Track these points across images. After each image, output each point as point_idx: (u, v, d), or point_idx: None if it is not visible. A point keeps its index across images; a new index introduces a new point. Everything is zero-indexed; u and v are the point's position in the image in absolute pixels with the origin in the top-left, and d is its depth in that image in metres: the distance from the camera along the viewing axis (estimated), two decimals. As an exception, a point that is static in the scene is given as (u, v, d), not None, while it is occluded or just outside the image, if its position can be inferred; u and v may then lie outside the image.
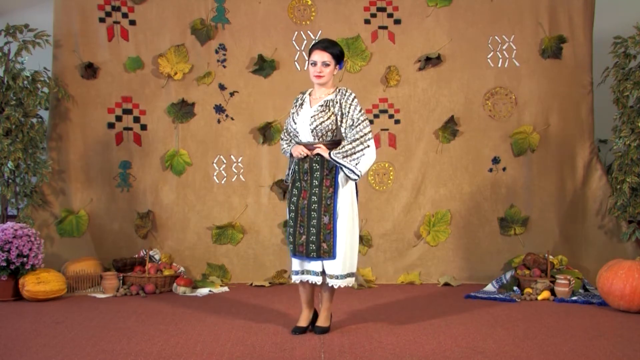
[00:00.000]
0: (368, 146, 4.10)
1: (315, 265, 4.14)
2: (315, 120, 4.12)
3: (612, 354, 3.69)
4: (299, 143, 4.22)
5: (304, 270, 4.17)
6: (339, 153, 4.06)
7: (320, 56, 4.15)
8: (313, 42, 4.47)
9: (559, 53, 6.15)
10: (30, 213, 5.90)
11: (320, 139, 4.14)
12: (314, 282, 4.17)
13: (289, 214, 4.21)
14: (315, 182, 4.14)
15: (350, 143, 4.08)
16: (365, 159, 4.09)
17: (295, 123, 4.21)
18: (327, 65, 4.15)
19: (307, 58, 4.31)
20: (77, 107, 6.16)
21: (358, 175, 4.09)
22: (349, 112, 4.12)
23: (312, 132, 4.13)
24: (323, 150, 4.11)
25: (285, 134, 4.35)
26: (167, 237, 6.17)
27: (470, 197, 6.18)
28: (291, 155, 4.25)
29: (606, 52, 5.95)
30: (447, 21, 6.23)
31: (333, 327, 4.28)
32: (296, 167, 4.21)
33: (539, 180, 6.14)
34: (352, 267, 4.20)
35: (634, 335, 4.15)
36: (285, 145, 4.33)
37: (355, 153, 4.07)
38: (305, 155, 4.15)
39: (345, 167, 4.07)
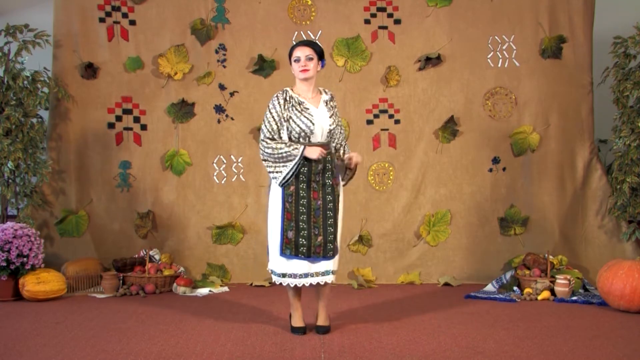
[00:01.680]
0: None
1: (328, 265, 4.16)
2: (334, 121, 4.19)
3: (612, 354, 3.69)
4: (309, 144, 4.11)
5: (314, 272, 4.15)
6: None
7: (302, 51, 4.16)
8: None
9: (559, 53, 6.15)
10: (30, 213, 5.90)
11: (330, 139, 4.20)
12: (327, 282, 4.17)
13: (298, 216, 4.11)
14: (329, 182, 4.16)
15: (344, 148, 4.33)
16: None
17: (312, 124, 4.11)
18: (311, 59, 4.16)
19: (288, 60, 4.27)
20: (77, 107, 6.16)
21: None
22: (339, 118, 4.31)
23: (329, 132, 4.17)
24: (358, 156, 4.28)
25: (273, 136, 4.11)
26: (167, 237, 6.17)
27: (470, 197, 6.18)
28: (303, 157, 4.07)
29: (606, 52, 5.94)
30: (447, 21, 6.23)
31: (333, 327, 4.28)
32: (304, 168, 4.11)
33: (539, 180, 6.14)
34: None
35: (634, 335, 4.15)
36: (285, 147, 4.08)
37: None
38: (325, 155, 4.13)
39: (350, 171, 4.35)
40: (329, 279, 4.17)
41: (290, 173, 4.09)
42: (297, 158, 4.06)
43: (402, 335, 4.13)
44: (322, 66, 4.27)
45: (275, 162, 4.12)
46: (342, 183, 4.31)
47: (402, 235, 6.19)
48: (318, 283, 4.15)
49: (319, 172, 4.14)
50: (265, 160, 4.15)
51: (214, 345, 3.88)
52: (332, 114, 4.21)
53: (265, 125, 4.14)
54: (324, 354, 3.72)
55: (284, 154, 4.08)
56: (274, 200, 4.17)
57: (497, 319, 4.59)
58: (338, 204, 4.20)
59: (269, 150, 4.11)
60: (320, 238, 4.12)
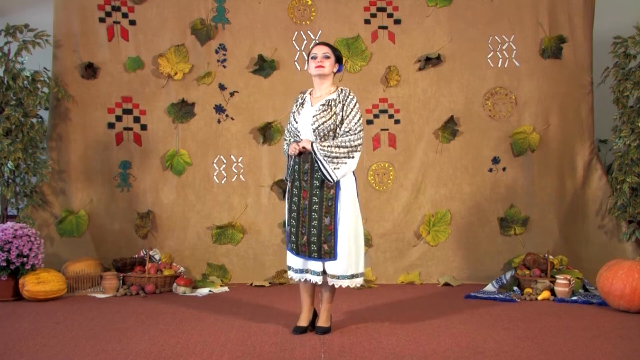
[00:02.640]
0: (352, 157, 4.11)
1: (315, 265, 4.14)
2: (317, 120, 4.12)
3: (612, 354, 3.69)
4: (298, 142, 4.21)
5: (306, 269, 4.18)
6: (323, 150, 4.05)
7: (320, 49, 4.22)
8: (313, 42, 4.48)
9: (559, 53, 6.15)
10: (30, 213, 5.90)
11: (323, 139, 4.13)
12: (314, 282, 4.17)
13: (290, 213, 4.20)
14: (316, 183, 4.14)
15: (338, 147, 4.07)
16: (344, 168, 4.10)
17: (296, 122, 4.20)
18: (328, 57, 4.19)
19: (306, 59, 4.31)
20: (77, 107, 6.16)
21: (333, 180, 4.08)
22: (348, 117, 4.12)
23: (314, 131, 4.13)
24: (307, 143, 4.10)
25: (287, 135, 4.32)
26: (167, 237, 6.17)
27: (470, 197, 6.18)
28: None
29: (606, 52, 5.95)
30: (447, 21, 6.24)
31: (333, 327, 4.28)
32: (296, 166, 4.18)
33: (539, 180, 6.14)
34: (358, 268, 4.17)
35: (634, 335, 4.15)
36: (285, 146, 4.31)
37: (338, 158, 4.07)
38: (298, 151, 4.13)
39: (324, 167, 4.07)
40: (316, 279, 4.14)
41: (289, 169, 4.24)
42: (287, 154, 4.28)
43: (402, 335, 4.13)
44: (339, 71, 4.29)
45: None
46: (328, 180, 4.09)
47: (402, 235, 6.19)
48: (311, 281, 4.18)
49: (307, 171, 4.15)
50: None
51: (214, 345, 3.88)
52: (323, 113, 4.10)
53: (286, 124, 4.37)
54: (324, 354, 3.72)
55: (285, 152, 4.32)
56: None
57: (497, 319, 4.59)
58: (332, 207, 4.09)
59: (283, 147, 4.36)
60: (305, 237, 4.14)
